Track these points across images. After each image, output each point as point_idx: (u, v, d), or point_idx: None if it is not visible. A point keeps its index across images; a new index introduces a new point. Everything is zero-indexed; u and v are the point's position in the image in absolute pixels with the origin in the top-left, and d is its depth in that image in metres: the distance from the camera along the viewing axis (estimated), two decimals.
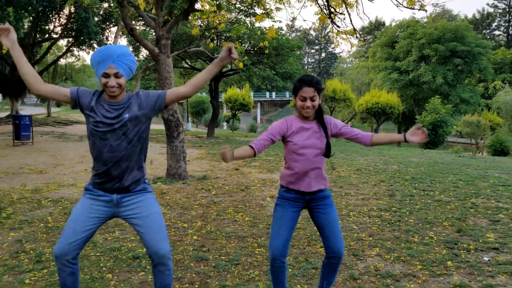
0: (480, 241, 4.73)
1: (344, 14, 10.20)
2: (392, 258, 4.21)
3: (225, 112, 39.98)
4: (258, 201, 6.78)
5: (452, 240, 4.75)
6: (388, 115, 25.86)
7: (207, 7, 8.38)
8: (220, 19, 13.03)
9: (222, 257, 4.27)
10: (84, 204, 2.68)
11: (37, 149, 13.93)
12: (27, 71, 2.61)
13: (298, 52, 21.45)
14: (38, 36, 27.48)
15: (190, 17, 17.42)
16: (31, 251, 4.45)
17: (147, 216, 2.66)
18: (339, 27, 9.55)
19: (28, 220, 5.62)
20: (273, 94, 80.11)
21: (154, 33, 10.13)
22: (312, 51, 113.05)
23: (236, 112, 29.20)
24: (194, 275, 3.82)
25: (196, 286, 3.61)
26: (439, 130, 21.70)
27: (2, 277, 3.79)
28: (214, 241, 4.79)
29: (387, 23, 67.47)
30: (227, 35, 18.97)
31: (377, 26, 67.10)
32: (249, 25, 18.31)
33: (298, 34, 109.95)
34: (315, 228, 5.09)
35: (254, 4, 14.86)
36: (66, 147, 14.55)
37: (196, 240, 4.82)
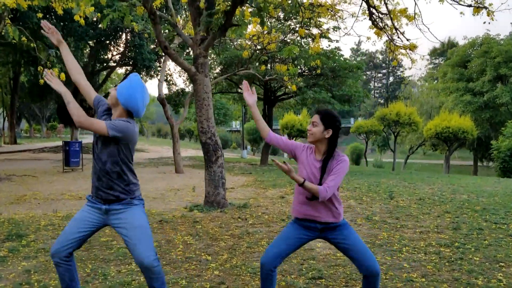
0: None
1: (398, 30, 9.59)
2: None
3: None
4: None
5: None
6: (460, 140, 24.33)
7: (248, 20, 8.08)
8: (270, 39, 12.86)
9: None
10: (83, 210, 3.14)
11: (85, 175, 14.22)
12: (73, 65, 3.21)
13: (358, 74, 20.78)
14: (97, 65, 28.87)
15: (240, 40, 17.47)
16: (36, 283, 4.21)
17: (134, 228, 2.99)
18: (392, 40, 8.94)
19: (46, 249, 5.44)
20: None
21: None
22: (379, 75, 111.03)
23: (294, 139, 28.81)
24: None
25: None
26: None
27: None
28: (236, 277, 4.32)
29: (460, 43, 65.03)
30: (280, 56, 18.77)
31: (449, 46, 64.68)
32: (303, 45, 18.01)
33: (363, 58, 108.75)
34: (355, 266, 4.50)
35: (307, 23, 14.58)
36: None
37: (217, 275, 4.38)
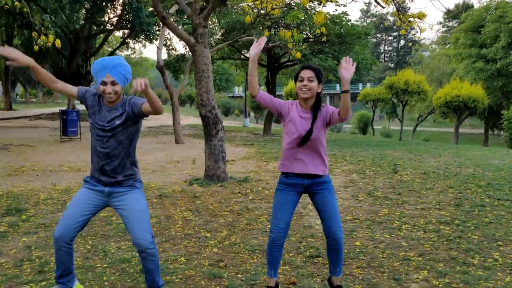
0: None
1: None
2: (441, 285, 3.73)
3: None
4: (298, 209, 6.41)
5: None
6: (471, 109, 24.28)
7: None
8: (274, 4, 12.75)
9: (239, 275, 3.99)
10: (83, 193, 3.27)
11: (83, 145, 14.41)
12: (42, 72, 3.14)
13: (366, 40, 20.64)
14: (94, 28, 28.61)
15: (242, 5, 17.29)
16: (37, 259, 4.42)
17: (134, 211, 3.18)
18: (399, 9, 8.90)
19: (46, 224, 5.66)
20: None
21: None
22: (390, 38, 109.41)
23: None
24: None
25: None
26: None
27: None
28: (235, 255, 4.52)
29: (475, 6, 63.83)
30: (284, 22, 18.62)
31: (464, 9, 63.49)
32: (309, 10, 17.83)
33: (374, 19, 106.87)
34: (354, 244, 4.69)
35: None
36: None
37: (215, 253, 4.58)
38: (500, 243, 4.83)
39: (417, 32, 12.17)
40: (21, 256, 4.55)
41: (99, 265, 4.26)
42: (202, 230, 5.36)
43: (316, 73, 3.23)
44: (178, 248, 4.73)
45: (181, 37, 8.13)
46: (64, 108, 28.54)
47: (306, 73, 3.22)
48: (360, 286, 3.72)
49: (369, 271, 4.05)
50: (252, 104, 42.17)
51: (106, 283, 3.84)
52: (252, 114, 46.78)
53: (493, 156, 13.03)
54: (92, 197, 3.25)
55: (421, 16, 10.91)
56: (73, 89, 3.30)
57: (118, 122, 3.15)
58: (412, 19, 10.99)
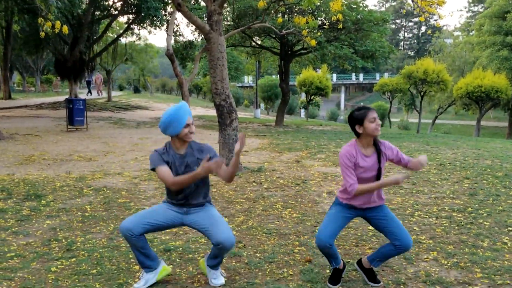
0: None
1: None
2: (449, 264, 4.22)
3: (303, 97, 39.94)
4: (313, 197, 6.93)
5: None
6: (493, 100, 24.48)
7: None
8: None
9: (257, 254, 4.51)
10: (162, 206, 3.90)
11: (90, 135, 14.99)
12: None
13: (384, 27, 20.95)
14: (97, 13, 29.05)
15: None
16: (63, 240, 4.97)
17: (209, 217, 3.81)
18: None
19: (66, 208, 6.21)
20: (361, 76, 78.37)
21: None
22: (410, 24, 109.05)
23: (312, 97, 29.13)
24: (223, 270, 4.08)
25: (226, 283, 3.87)
26: None
27: (31, 263, 4.30)
28: (253, 237, 5.04)
29: None
30: (299, 8, 19.01)
31: None
32: None
33: (393, 4, 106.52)
34: (368, 228, 5.18)
35: None
36: (121, 134, 15.50)
37: (234, 235, 5.08)
38: (511, 228, 5.30)
39: (437, 19, 12.51)
40: (48, 236, 5.10)
41: (123, 244, 4.79)
42: None
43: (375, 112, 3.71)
44: (196, 232, 5.25)
45: (196, 25, 8.62)
46: (65, 97, 29.10)
47: (374, 113, 3.64)
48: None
49: None
50: (263, 94, 42.52)
51: (132, 260, 4.37)
52: (262, 105, 47.16)
53: None
54: (170, 211, 3.89)
55: (441, 2, 11.30)
56: (169, 173, 3.73)
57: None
58: (431, 6, 11.39)
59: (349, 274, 4.05)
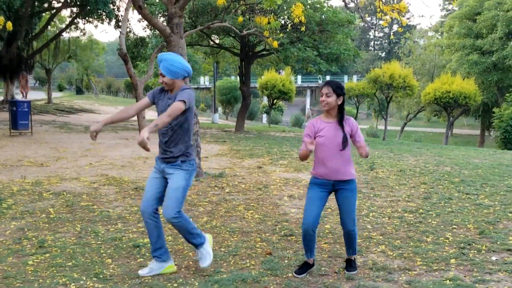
0: (498, 243, 5.67)
1: None
2: (394, 255, 5.25)
3: (265, 101, 40.93)
4: (274, 200, 7.90)
5: (468, 241, 5.72)
6: (462, 107, 25.81)
7: None
8: None
9: (222, 249, 5.43)
10: (152, 173, 4.73)
11: (36, 140, 15.52)
12: (117, 118, 4.66)
13: (349, 29, 22.16)
14: (36, 5, 28.85)
15: None
16: (34, 238, 5.75)
17: (172, 189, 4.48)
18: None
19: (29, 211, 6.96)
20: (327, 79, 79.83)
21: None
22: (381, 22, 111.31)
23: (275, 101, 30.11)
24: (191, 262, 4.98)
25: (192, 271, 4.77)
26: None
27: (7, 258, 5.07)
28: (216, 235, 5.95)
29: None
30: (260, 7, 20.00)
31: None
32: None
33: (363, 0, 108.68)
34: (324, 226, 6.18)
35: None
36: (69, 139, 16.09)
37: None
38: (455, 226, 6.41)
39: (413, 15, 13.55)
40: (18, 235, 5.87)
41: (93, 242, 5.62)
42: None
43: (333, 88, 4.37)
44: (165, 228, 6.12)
45: (156, 27, 9.48)
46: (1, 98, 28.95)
47: (324, 89, 4.39)
48: (326, 255, 5.22)
49: (335, 245, 5.56)
50: (222, 97, 43.30)
51: (104, 254, 5.21)
52: (220, 109, 47.95)
53: (476, 156, 14.82)
54: (155, 171, 4.70)
55: (403, 8, 12.45)
56: (145, 102, 4.66)
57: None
58: (393, 11, 12.51)
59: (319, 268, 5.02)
